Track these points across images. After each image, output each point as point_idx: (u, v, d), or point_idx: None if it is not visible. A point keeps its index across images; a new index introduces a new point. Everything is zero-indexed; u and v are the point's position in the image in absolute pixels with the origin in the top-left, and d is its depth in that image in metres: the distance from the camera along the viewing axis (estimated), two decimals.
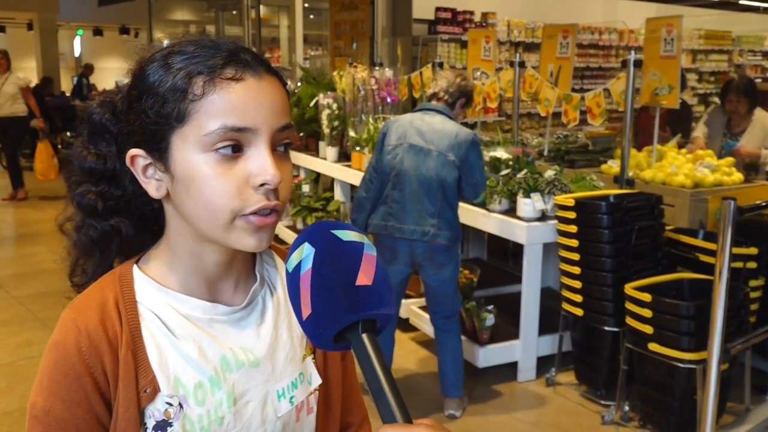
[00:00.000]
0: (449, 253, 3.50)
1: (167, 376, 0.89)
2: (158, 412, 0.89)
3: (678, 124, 5.78)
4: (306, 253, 0.72)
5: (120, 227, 0.96)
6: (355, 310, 0.70)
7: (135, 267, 0.95)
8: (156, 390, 0.88)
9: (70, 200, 0.97)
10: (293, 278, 0.73)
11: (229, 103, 0.83)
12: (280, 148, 0.88)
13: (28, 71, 17.09)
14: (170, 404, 0.89)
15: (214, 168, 0.83)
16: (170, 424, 0.89)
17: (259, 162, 0.83)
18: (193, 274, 0.93)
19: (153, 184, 0.89)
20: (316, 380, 1.02)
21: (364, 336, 0.71)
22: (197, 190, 0.84)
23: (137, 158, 0.89)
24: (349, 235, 0.75)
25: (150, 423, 0.89)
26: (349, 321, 0.71)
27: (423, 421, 0.66)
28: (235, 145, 0.83)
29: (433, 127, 3.45)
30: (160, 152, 0.87)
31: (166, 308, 0.92)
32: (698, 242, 3.62)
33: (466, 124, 7.71)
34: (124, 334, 0.88)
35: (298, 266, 0.73)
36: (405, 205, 3.46)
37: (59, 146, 11.77)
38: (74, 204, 0.96)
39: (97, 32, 18.67)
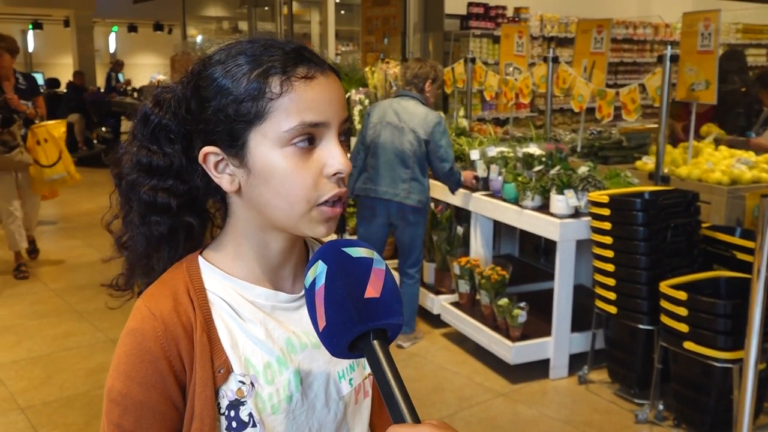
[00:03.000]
0: (418, 214, 4.24)
1: (239, 357, 0.94)
2: (231, 392, 0.93)
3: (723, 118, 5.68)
4: (319, 270, 0.80)
5: (190, 221, 0.99)
6: (364, 321, 0.78)
7: (200, 257, 0.99)
8: (229, 370, 0.93)
9: (128, 199, 0.98)
10: (310, 294, 0.81)
11: (305, 100, 0.89)
12: (342, 137, 0.93)
13: (64, 67, 17.42)
14: (243, 383, 0.94)
15: (293, 161, 0.89)
16: (243, 403, 0.93)
17: (333, 153, 0.90)
18: (257, 262, 0.98)
19: (226, 179, 0.94)
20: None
21: (375, 344, 0.78)
22: (278, 183, 0.90)
23: (209, 155, 0.93)
24: (359, 252, 0.82)
25: (224, 403, 0.93)
26: (360, 331, 0.78)
27: (430, 421, 0.71)
28: (309, 138, 0.89)
29: (408, 110, 4.19)
30: (236, 149, 0.91)
31: (233, 294, 0.97)
32: (735, 240, 3.57)
33: (497, 120, 7.71)
34: (197, 318, 0.93)
35: (313, 283, 0.80)
36: (379, 171, 4.18)
37: (95, 141, 11.98)
38: (141, 202, 0.96)
39: (132, 29, 18.93)
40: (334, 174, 0.90)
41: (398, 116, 4.17)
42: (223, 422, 0.93)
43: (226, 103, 0.90)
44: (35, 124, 5.80)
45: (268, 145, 0.89)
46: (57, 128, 6.08)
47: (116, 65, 15.13)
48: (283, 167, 0.89)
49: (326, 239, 0.93)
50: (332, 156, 0.90)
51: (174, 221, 0.98)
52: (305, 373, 0.98)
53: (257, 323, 0.96)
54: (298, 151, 0.89)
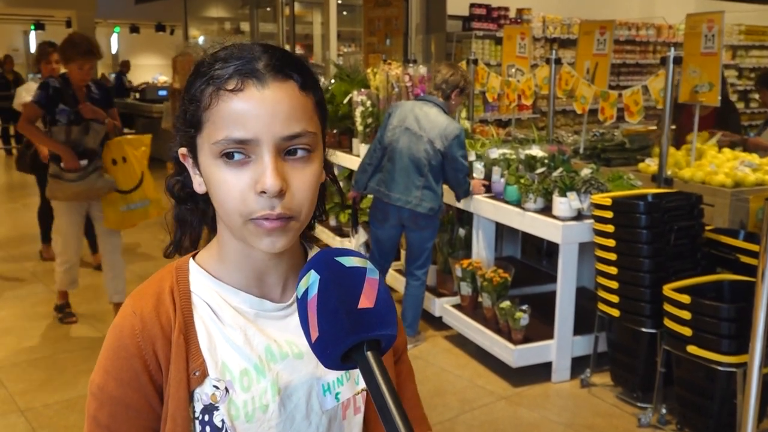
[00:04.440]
0: (429, 220, 4.24)
1: (215, 361, 0.94)
2: (206, 396, 0.93)
3: (725, 121, 5.66)
4: (312, 280, 0.78)
5: (191, 211, 1.03)
6: (357, 332, 0.76)
7: (191, 260, 1.00)
8: (205, 373, 0.93)
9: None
10: (302, 304, 0.79)
11: (229, 114, 0.87)
12: (293, 154, 0.89)
13: None
14: (217, 387, 0.93)
15: (223, 173, 0.88)
16: (216, 408, 0.93)
17: (260, 170, 0.87)
18: (241, 267, 0.97)
19: (197, 180, 0.96)
20: (363, 381, 1.04)
21: (369, 355, 0.76)
22: (214, 193, 0.90)
23: (187, 157, 0.96)
24: (352, 261, 0.80)
25: (198, 407, 0.93)
26: (353, 342, 0.76)
27: None
28: (238, 152, 0.87)
29: (429, 117, 4.16)
30: (193, 153, 0.93)
31: (216, 298, 0.96)
32: (739, 243, 3.55)
33: (499, 122, 7.69)
34: (177, 320, 0.93)
35: (306, 293, 0.79)
36: (394, 176, 4.19)
37: None
38: (165, 186, 1.04)
39: (134, 29, 18.94)
40: (261, 192, 0.86)
41: (418, 123, 4.16)
42: (197, 426, 0.92)
43: (184, 107, 0.92)
44: (110, 139, 4.62)
45: (206, 154, 0.90)
46: (138, 144, 4.77)
47: (124, 66, 15.12)
48: (216, 177, 0.88)
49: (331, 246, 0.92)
50: (260, 174, 0.86)
51: (181, 210, 1.03)
52: (284, 384, 0.96)
53: (237, 328, 0.95)
54: (227, 165, 0.87)
